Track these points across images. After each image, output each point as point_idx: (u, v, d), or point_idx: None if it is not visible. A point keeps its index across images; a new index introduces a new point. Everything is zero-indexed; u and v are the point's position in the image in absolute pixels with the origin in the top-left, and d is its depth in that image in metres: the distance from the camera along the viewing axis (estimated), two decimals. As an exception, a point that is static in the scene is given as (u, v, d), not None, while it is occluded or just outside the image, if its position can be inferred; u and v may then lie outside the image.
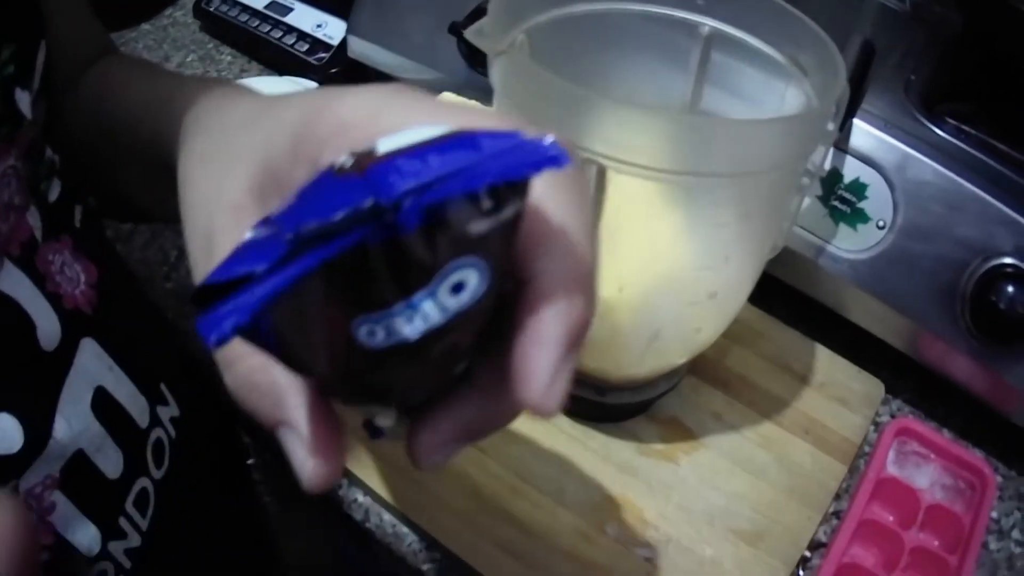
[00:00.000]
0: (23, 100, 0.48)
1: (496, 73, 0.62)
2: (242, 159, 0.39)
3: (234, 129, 0.42)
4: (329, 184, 0.29)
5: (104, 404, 0.54)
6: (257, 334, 0.27)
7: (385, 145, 0.30)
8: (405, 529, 0.77)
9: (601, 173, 0.58)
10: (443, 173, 0.27)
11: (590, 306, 0.33)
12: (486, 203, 0.28)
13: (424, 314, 0.29)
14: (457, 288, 0.29)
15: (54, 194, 0.54)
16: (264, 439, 0.84)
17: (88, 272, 0.56)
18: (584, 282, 0.32)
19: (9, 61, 0.47)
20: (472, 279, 0.29)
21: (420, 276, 0.28)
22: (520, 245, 0.32)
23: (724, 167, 0.58)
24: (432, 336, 0.29)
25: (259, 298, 0.26)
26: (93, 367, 0.54)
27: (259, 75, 1.31)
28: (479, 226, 0.28)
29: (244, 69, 1.33)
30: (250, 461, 0.89)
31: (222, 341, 0.25)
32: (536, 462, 0.79)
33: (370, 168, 0.28)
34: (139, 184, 0.63)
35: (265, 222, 0.29)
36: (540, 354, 0.31)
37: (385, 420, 0.35)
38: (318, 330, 0.29)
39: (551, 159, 0.28)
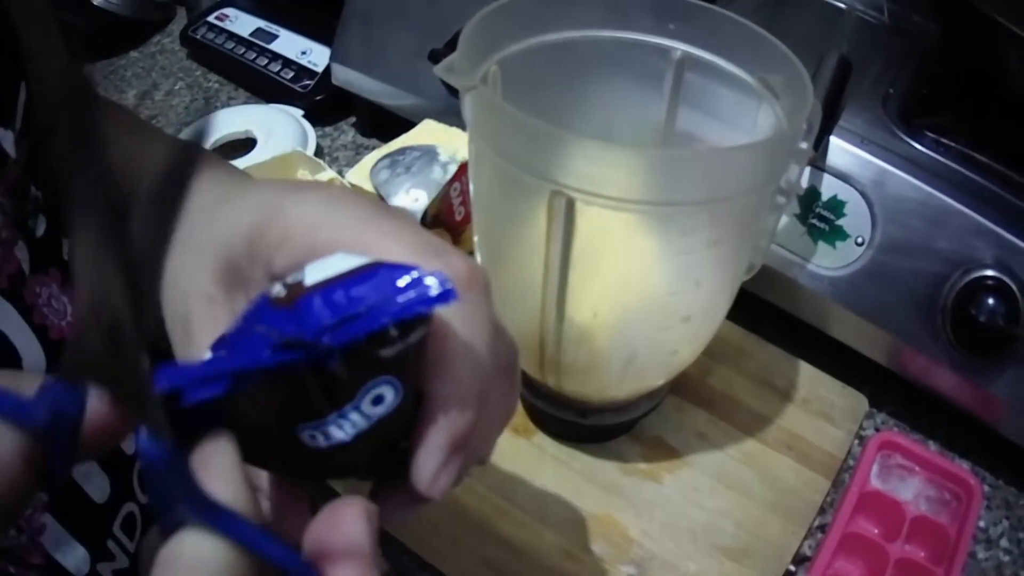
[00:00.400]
0: (6, 139, 0.49)
1: (467, 108, 0.63)
2: (207, 253, 0.42)
3: (198, 222, 0.44)
4: (267, 312, 0.35)
5: None
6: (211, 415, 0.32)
7: (312, 275, 0.35)
8: (394, 550, 0.78)
9: (570, 205, 0.58)
10: (356, 311, 0.33)
11: (476, 417, 0.38)
12: (393, 333, 0.33)
13: (352, 422, 0.34)
14: (377, 400, 0.34)
15: (40, 229, 0.54)
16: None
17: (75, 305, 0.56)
18: (469, 400, 0.38)
19: None
20: (389, 393, 0.35)
21: (345, 393, 0.34)
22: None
23: (693, 196, 0.59)
24: (363, 436, 0.35)
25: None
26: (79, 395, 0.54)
27: (246, 102, 1.31)
28: (389, 352, 0.33)
29: (231, 96, 1.34)
30: None
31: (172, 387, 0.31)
32: (521, 483, 0.79)
33: (298, 301, 0.34)
34: None
35: (221, 342, 0.35)
36: (426, 458, 0.37)
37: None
38: (271, 433, 0.34)
39: (440, 297, 0.33)
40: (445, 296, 0.33)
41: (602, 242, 0.63)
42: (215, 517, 0.29)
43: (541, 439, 0.83)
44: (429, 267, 0.35)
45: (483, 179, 0.70)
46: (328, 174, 0.94)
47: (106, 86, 1.37)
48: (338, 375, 0.33)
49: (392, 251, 0.38)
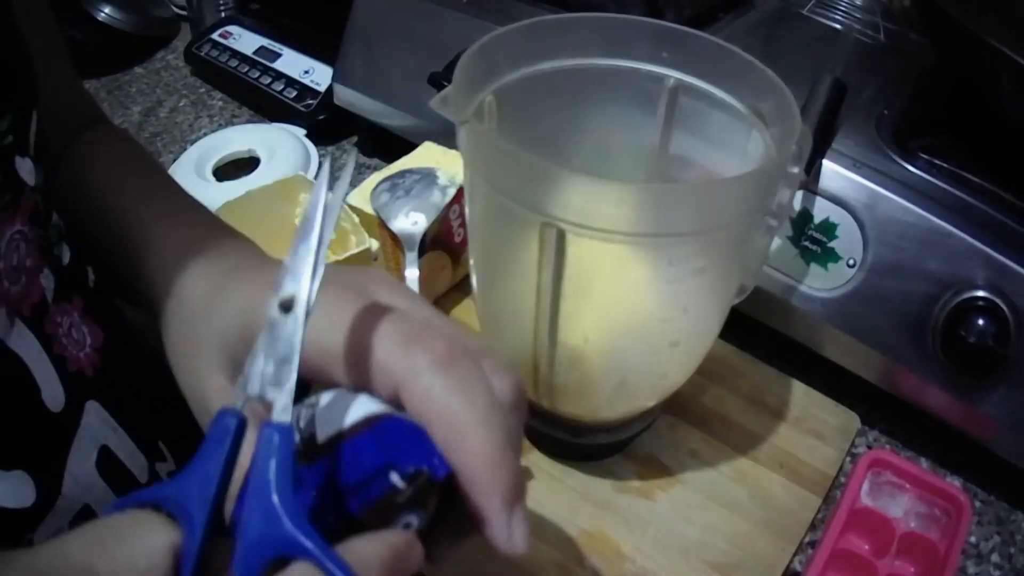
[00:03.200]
0: (23, 167, 0.50)
1: (462, 141, 0.64)
2: (208, 351, 0.46)
3: (195, 319, 0.49)
4: (289, 464, 0.36)
5: (107, 462, 0.56)
6: None
7: (322, 428, 0.39)
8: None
9: (561, 236, 0.60)
10: (369, 474, 0.37)
11: (511, 462, 0.39)
12: (403, 485, 0.37)
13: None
14: (407, 525, 0.38)
15: (67, 257, 0.56)
16: None
17: (94, 336, 0.57)
18: (498, 459, 0.39)
19: (8, 131, 0.48)
20: (414, 519, 0.38)
21: (381, 524, 0.37)
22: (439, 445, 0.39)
23: (682, 228, 0.60)
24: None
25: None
26: (98, 428, 0.56)
27: (249, 120, 1.33)
28: (403, 497, 0.37)
29: (235, 115, 1.35)
30: None
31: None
32: (517, 500, 0.80)
33: (317, 462, 0.38)
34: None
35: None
36: (496, 527, 0.39)
37: None
38: None
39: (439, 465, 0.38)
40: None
41: (592, 271, 0.64)
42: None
43: (537, 457, 0.84)
44: (409, 355, 0.39)
45: (477, 207, 0.71)
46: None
47: (111, 102, 1.38)
48: (367, 524, 0.37)
49: (376, 346, 0.40)
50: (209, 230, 0.59)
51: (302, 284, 0.38)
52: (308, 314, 0.38)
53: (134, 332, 0.67)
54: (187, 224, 0.60)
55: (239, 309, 0.45)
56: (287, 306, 0.38)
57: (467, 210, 0.73)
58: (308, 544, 0.33)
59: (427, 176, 0.91)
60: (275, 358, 0.37)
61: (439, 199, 0.89)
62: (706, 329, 0.73)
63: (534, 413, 0.79)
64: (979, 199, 0.81)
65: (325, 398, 0.41)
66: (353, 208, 0.94)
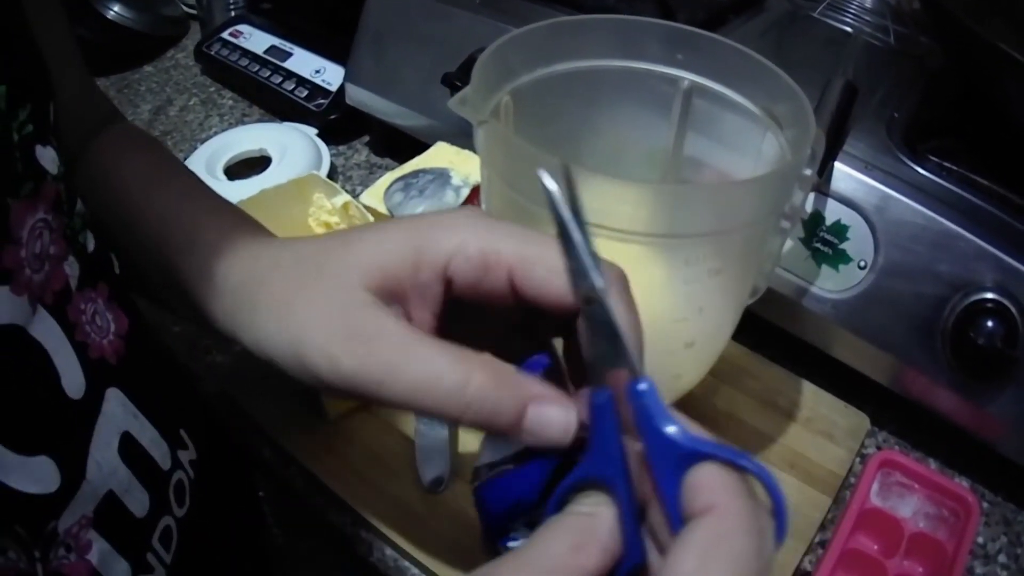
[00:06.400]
0: (44, 156, 0.50)
1: (479, 140, 0.65)
2: (353, 270, 0.49)
3: (320, 255, 0.51)
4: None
5: (130, 449, 0.56)
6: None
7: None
8: (406, 563, 0.79)
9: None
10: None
11: None
12: None
13: None
14: None
15: (91, 244, 0.56)
16: (275, 475, 0.86)
17: (119, 322, 0.57)
18: None
19: (27, 121, 0.48)
20: None
21: None
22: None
23: (698, 229, 0.60)
24: None
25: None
26: (119, 415, 0.56)
27: (260, 120, 1.33)
28: None
29: (245, 114, 1.35)
30: (260, 494, 0.91)
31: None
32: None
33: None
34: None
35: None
36: None
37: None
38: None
39: None
40: None
41: None
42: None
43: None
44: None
45: (494, 206, 0.71)
46: (343, 198, 0.95)
47: (120, 100, 1.38)
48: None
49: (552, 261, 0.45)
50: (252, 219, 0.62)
51: (593, 275, 0.41)
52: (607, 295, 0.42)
53: (151, 323, 0.67)
54: (235, 210, 0.63)
55: (406, 236, 0.49)
56: (589, 299, 0.41)
57: (484, 209, 0.73)
58: (712, 448, 0.38)
59: (440, 176, 0.91)
60: (604, 340, 0.42)
61: (452, 199, 0.89)
62: (721, 330, 0.74)
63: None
64: (988, 202, 0.81)
65: None
66: (367, 207, 0.94)
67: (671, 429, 0.38)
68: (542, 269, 0.46)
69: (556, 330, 0.52)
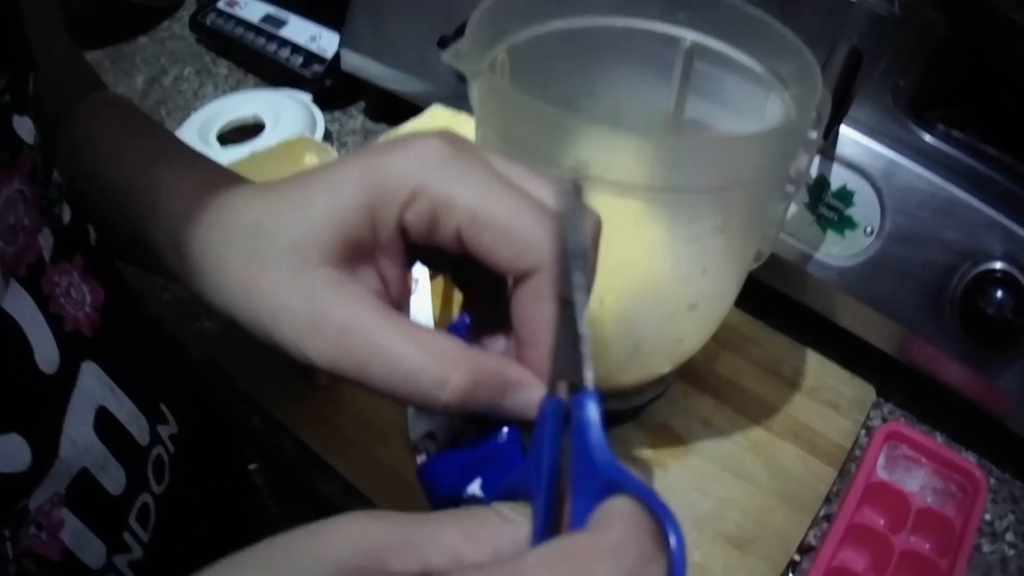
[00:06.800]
0: (21, 126, 0.49)
1: (475, 95, 0.63)
2: (311, 243, 0.45)
3: (274, 222, 0.47)
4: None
5: (106, 424, 0.55)
6: None
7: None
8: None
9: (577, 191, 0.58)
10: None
11: None
12: None
13: None
14: None
15: (67, 215, 0.54)
16: (265, 444, 0.85)
17: (95, 294, 0.56)
18: None
19: (5, 90, 0.47)
20: None
21: None
22: None
23: (702, 183, 0.59)
24: None
25: None
26: (95, 389, 0.54)
27: (255, 87, 1.32)
28: None
29: (240, 81, 1.34)
30: (252, 466, 0.90)
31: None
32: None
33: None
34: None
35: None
36: None
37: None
38: None
39: None
40: None
41: (608, 229, 0.63)
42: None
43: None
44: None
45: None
46: (334, 157, 0.94)
47: (115, 71, 1.37)
48: None
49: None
50: (226, 172, 0.58)
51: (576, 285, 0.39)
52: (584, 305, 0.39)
53: (129, 287, 0.66)
54: (204, 167, 0.59)
55: (351, 184, 0.45)
56: (567, 303, 0.39)
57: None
58: (630, 483, 0.35)
59: None
60: (569, 346, 0.39)
61: None
62: (724, 292, 0.72)
63: (544, 380, 0.78)
64: (996, 171, 0.80)
65: None
66: None
67: (599, 454, 0.36)
68: (490, 235, 0.43)
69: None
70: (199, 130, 1.16)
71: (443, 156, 0.44)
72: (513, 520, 0.37)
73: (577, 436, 0.37)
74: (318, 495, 0.81)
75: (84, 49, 0.73)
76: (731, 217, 0.64)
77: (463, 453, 0.46)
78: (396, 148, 0.45)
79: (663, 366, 0.77)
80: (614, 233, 0.64)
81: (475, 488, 0.44)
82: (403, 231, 0.45)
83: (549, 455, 0.38)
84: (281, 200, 0.47)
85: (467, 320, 0.49)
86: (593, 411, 0.37)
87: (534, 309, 0.43)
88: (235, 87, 1.33)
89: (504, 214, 0.43)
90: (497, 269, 0.44)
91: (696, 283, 0.67)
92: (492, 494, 0.43)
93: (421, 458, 0.48)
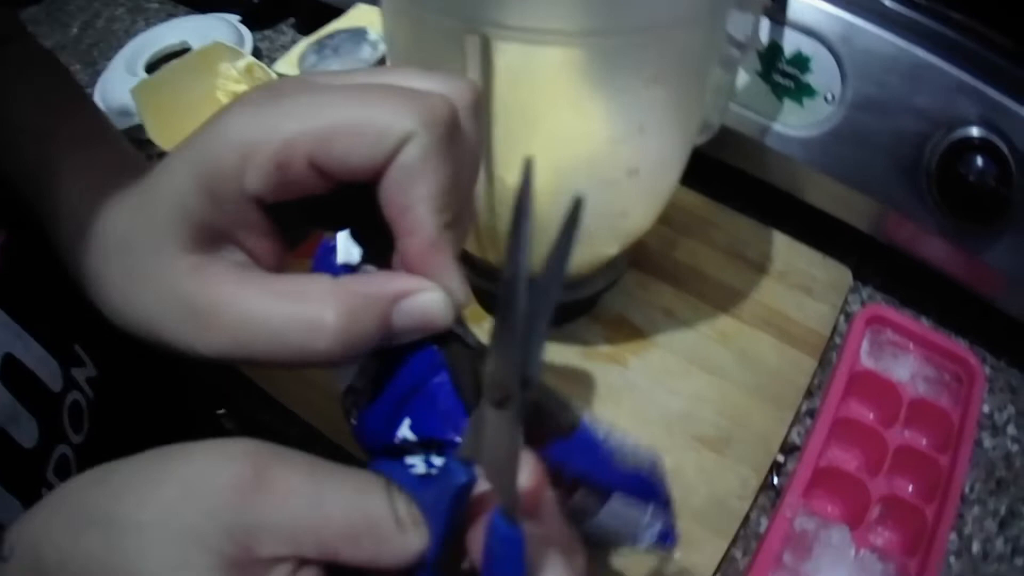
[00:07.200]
0: None
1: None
2: (163, 234, 0.44)
3: (131, 220, 0.46)
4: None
5: (13, 372, 0.53)
6: None
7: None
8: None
9: (486, 44, 0.54)
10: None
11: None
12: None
13: None
14: None
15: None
16: (232, 386, 0.82)
17: None
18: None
19: None
20: None
21: None
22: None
23: (623, 24, 0.54)
24: None
25: None
26: (0, 336, 0.52)
27: (187, 16, 1.30)
28: None
29: (171, 14, 1.33)
30: (220, 411, 0.86)
31: None
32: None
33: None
34: None
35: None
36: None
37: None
38: None
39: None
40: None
41: (528, 87, 0.58)
42: None
43: (490, 324, 0.78)
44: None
45: (398, 41, 0.65)
46: (246, 60, 0.93)
47: (50, 23, 1.36)
48: None
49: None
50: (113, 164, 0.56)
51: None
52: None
53: (42, 232, 0.62)
54: (100, 159, 0.57)
55: (188, 172, 0.43)
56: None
57: (387, 49, 0.68)
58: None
59: (356, 33, 0.91)
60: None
61: (369, 55, 0.87)
62: (668, 157, 0.67)
63: (483, 272, 0.74)
64: (965, 36, 0.77)
65: None
66: (280, 75, 0.92)
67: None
68: (340, 141, 0.40)
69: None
70: (127, 63, 1.14)
71: (256, 105, 0.42)
72: (406, 532, 0.36)
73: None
74: (285, 438, 0.77)
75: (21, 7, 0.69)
76: (664, 67, 0.59)
77: (385, 397, 0.42)
78: (211, 122, 0.43)
79: (609, 246, 0.72)
80: (535, 91, 0.59)
81: (405, 431, 0.40)
82: (256, 199, 0.42)
83: (443, 532, 0.36)
84: (138, 209, 0.46)
85: (334, 243, 0.46)
86: (517, 541, 0.35)
87: (407, 187, 0.40)
88: (166, 19, 1.32)
89: (344, 113, 0.40)
90: (369, 174, 0.41)
91: (633, 144, 0.62)
92: (425, 430, 0.40)
93: (352, 419, 0.45)
